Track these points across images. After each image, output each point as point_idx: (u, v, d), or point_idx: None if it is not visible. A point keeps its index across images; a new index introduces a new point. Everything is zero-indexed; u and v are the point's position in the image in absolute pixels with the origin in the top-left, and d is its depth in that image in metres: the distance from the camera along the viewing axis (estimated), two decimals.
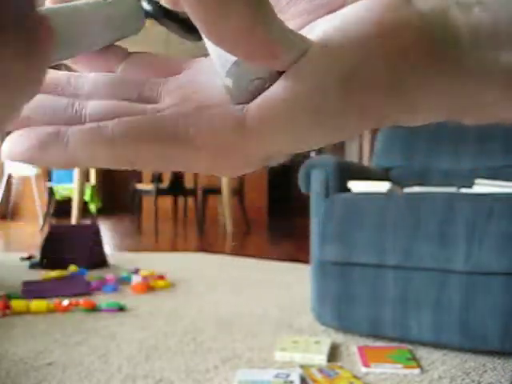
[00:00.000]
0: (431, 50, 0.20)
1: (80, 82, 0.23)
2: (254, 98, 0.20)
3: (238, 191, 5.79)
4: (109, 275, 2.73)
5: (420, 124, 0.22)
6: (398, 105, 0.21)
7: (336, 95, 0.19)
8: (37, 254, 3.27)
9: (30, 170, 6.94)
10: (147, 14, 0.23)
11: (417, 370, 1.51)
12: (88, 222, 5.70)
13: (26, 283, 2.54)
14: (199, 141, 0.20)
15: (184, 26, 0.23)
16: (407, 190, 2.01)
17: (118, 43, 0.23)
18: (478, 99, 0.21)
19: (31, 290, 2.41)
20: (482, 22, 0.20)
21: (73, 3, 0.21)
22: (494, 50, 0.20)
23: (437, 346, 1.70)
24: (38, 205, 6.77)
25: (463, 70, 0.21)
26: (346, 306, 1.80)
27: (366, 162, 6.21)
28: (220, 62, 0.20)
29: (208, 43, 0.20)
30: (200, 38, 0.22)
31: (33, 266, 3.09)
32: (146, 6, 0.22)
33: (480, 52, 0.20)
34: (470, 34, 0.20)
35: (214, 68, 0.21)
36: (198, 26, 0.17)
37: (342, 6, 0.21)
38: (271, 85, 0.20)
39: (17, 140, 0.21)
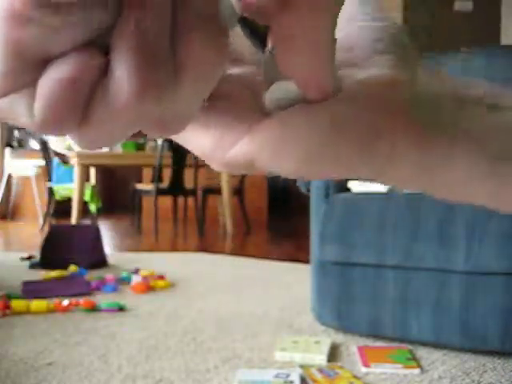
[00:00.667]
0: (413, 125, 0.21)
1: None
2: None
3: (238, 191, 5.79)
4: (109, 275, 2.73)
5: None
6: (366, 167, 0.21)
7: (322, 140, 0.20)
8: (37, 254, 3.27)
9: (30, 170, 6.94)
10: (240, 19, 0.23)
11: (417, 370, 1.51)
12: (88, 222, 5.70)
13: (26, 283, 2.54)
14: (212, 123, 0.21)
15: (257, 37, 0.23)
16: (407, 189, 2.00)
17: None
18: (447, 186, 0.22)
19: (31, 290, 2.41)
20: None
21: None
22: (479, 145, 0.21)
23: (437, 346, 1.69)
24: (37, 205, 6.76)
25: (437, 156, 0.21)
26: (346, 306, 1.80)
27: None
28: (266, 78, 0.21)
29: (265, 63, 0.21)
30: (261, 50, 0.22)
31: (33, 266, 3.09)
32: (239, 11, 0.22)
33: (461, 148, 0.21)
34: (462, 131, 0.21)
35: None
36: (278, 61, 0.19)
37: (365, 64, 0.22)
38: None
39: None
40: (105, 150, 5.13)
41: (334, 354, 1.65)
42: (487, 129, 0.22)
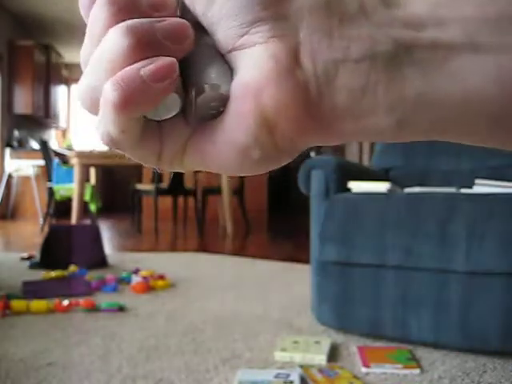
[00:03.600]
0: (305, 107, 0.22)
1: None
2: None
3: (238, 191, 5.79)
4: (109, 275, 2.72)
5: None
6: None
7: None
8: (37, 254, 3.27)
9: (30, 170, 6.94)
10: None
11: (417, 370, 1.51)
12: (88, 221, 5.70)
13: (26, 283, 2.54)
14: None
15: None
16: (407, 190, 2.01)
17: None
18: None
19: (31, 290, 2.41)
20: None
21: None
22: (370, 116, 0.22)
23: (437, 346, 1.69)
24: (37, 205, 6.76)
25: (335, 130, 0.23)
26: (345, 306, 1.80)
27: (366, 162, 6.20)
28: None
29: None
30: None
31: (33, 266, 3.09)
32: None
33: (355, 120, 0.23)
34: (350, 99, 0.22)
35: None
36: None
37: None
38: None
39: None
40: (105, 149, 5.13)
41: (334, 354, 1.65)
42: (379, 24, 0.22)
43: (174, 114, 0.24)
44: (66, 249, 3.12)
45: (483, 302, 1.58)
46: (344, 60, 0.22)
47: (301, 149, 0.24)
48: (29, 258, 3.35)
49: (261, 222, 6.46)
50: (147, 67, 0.22)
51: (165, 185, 5.28)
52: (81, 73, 0.24)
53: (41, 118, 8.14)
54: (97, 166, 6.09)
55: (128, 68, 0.22)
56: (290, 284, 2.72)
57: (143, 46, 0.22)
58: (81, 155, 5.14)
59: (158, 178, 5.13)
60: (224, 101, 0.23)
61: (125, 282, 2.67)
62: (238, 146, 0.23)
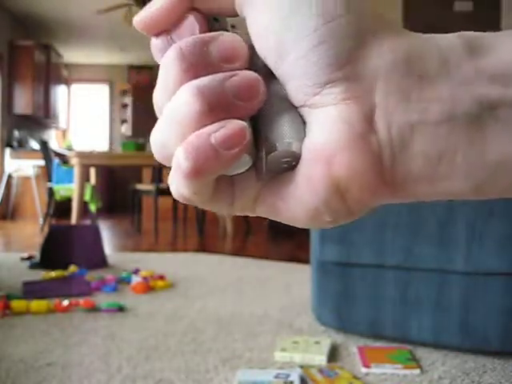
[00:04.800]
0: (379, 175, 0.22)
1: None
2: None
3: None
4: (109, 275, 2.72)
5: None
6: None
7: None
8: (37, 254, 3.27)
9: (30, 170, 6.94)
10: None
11: (417, 371, 1.51)
12: (88, 222, 5.70)
13: (26, 283, 2.54)
14: None
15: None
16: None
17: None
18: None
19: (31, 290, 2.41)
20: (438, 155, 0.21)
21: None
22: (446, 181, 0.22)
23: (437, 346, 1.69)
24: (37, 205, 6.77)
25: (408, 193, 0.23)
26: (346, 306, 1.80)
27: None
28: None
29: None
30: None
31: (33, 266, 3.09)
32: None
33: (429, 185, 0.22)
34: (426, 165, 0.21)
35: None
36: None
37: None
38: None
39: None
40: (105, 149, 5.12)
41: (334, 354, 1.65)
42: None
43: (244, 170, 0.24)
44: (66, 249, 3.12)
45: (483, 302, 1.59)
46: (421, 123, 0.21)
47: (372, 207, 0.24)
48: (29, 258, 3.35)
49: (261, 222, 6.46)
50: (218, 133, 0.21)
51: (165, 185, 5.28)
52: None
53: (41, 118, 8.13)
54: (97, 166, 6.09)
55: (198, 133, 0.22)
56: (290, 284, 2.72)
57: (214, 109, 0.21)
58: (81, 155, 5.14)
59: (158, 178, 5.13)
60: (296, 157, 0.23)
61: (125, 282, 2.67)
62: (308, 209, 0.23)
